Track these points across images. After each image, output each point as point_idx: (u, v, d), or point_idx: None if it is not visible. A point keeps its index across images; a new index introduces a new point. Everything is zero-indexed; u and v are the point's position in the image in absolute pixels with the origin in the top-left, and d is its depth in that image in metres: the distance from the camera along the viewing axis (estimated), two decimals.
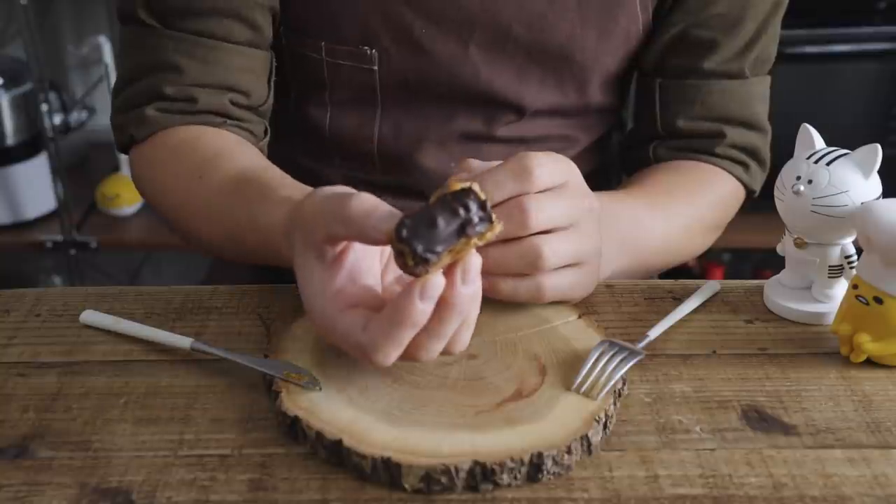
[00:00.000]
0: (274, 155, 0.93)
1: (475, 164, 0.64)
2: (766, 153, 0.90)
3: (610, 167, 0.99)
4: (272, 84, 0.85)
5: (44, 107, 1.88)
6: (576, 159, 0.90)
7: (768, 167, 0.91)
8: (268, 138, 0.85)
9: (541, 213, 0.61)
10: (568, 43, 0.83)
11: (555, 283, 0.64)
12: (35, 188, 1.99)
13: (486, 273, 0.64)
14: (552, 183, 0.62)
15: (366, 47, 0.81)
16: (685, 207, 0.83)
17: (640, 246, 0.76)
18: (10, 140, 1.95)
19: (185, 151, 0.77)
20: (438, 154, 0.86)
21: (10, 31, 2.06)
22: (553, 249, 0.62)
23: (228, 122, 0.81)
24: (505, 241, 0.62)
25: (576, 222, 0.63)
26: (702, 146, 0.88)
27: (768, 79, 0.90)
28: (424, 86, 0.83)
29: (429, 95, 0.84)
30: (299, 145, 0.91)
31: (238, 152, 0.76)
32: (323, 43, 0.82)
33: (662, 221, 0.79)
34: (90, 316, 0.68)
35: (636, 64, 0.89)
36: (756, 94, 0.88)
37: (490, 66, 0.83)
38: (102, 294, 0.72)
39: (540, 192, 0.61)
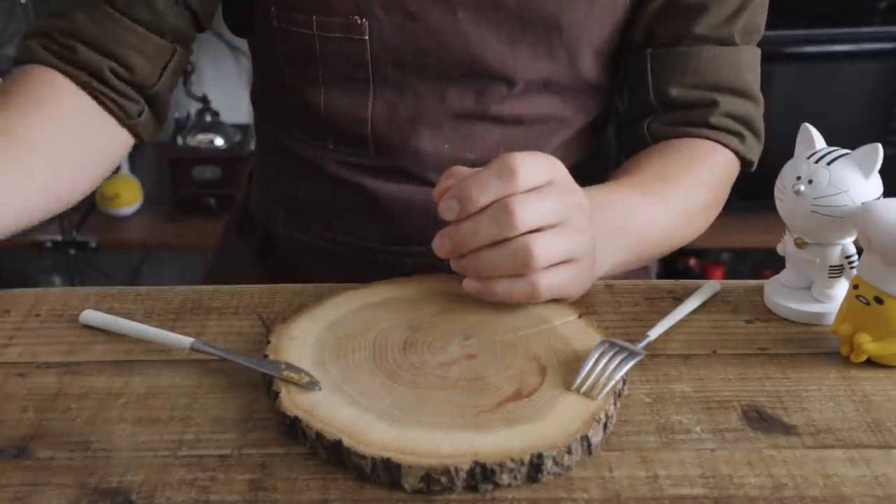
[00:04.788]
0: (269, 142, 0.94)
1: (461, 170, 0.64)
2: (761, 123, 0.90)
3: (608, 156, 0.99)
4: (167, 76, 0.83)
5: None
6: (572, 141, 0.91)
7: (763, 138, 0.91)
8: (142, 119, 0.83)
9: (527, 212, 0.61)
10: (555, 9, 0.83)
11: (549, 282, 0.64)
12: None
13: (480, 276, 0.64)
14: (538, 181, 0.62)
15: (356, 17, 0.82)
16: (681, 191, 0.83)
17: (640, 237, 0.76)
18: None
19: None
20: (433, 136, 0.87)
21: (10, 31, 2.06)
22: (543, 247, 0.62)
23: (95, 83, 0.79)
24: (495, 243, 0.62)
25: (565, 219, 0.63)
26: (696, 117, 0.88)
27: (758, 51, 0.91)
28: (415, 57, 0.84)
29: (420, 70, 0.85)
30: (295, 132, 0.91)
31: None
32: (314, 16, 0.83)
33: (659, 209, 0.79)
34: (90, 316, 0.68)
35: (626, 39, 0.90)
36: (747, 63, 0.89)
37: (479, 34, 0.83)
38: (102, 294, 0.72)
39: (526, 192, 0.61)
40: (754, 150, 0.90)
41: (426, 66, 0.84)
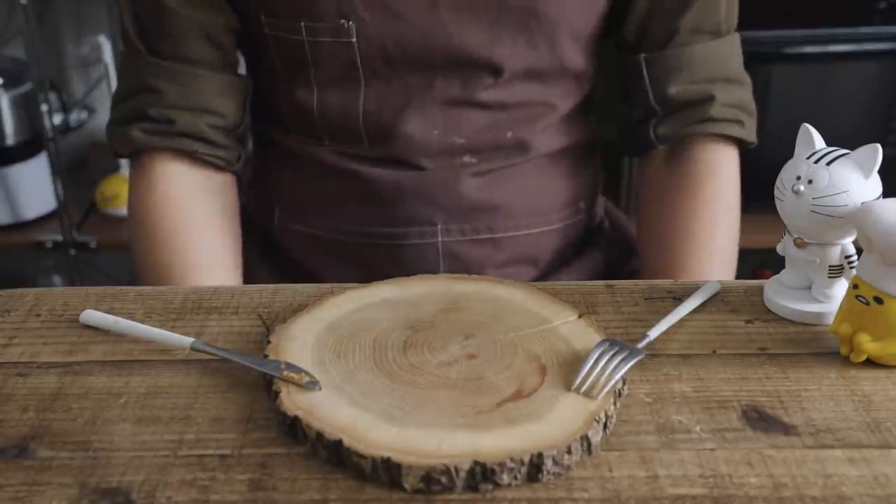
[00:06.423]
0: (264, 142, 0.98)
1: None
2: (753, 103, 0.95)
3: (594, 143, 1.00)
4: (247, 108, 0.92)
5: (44, 107, 1.88)
6: (557, 127, 0.93)
7: (756, 114, 0.95)
8: (241, 162, 0.93)
9: None
10: None
11: None
12: (35, 188, 1.99)
13: None
14: None
15: (342, 20, 0.83)
16: (711, 259, 0.94)
17: None
18: (10, 140, 1.95)
19: (153, 224, 0.89)
20: (422, 121, 0.89)
21: (10, 31, 2.06)
22: None
23: (200, 150, 0.88)
24: None
25: None
26: (697, 114, 0.91)
27: (738, 35, 0.94)
28: (402, 53, 0.85)
29: (408, 64, 0.86)
30: (290, 132, 0.94)
31: (190, 246, 0.88)
32: (302, 23, 0.84)
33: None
34: (90, 316, 0.68)
35: (609, 32, 0.92)
36: (733, 50, 0.93)
37: (461, 26, 0.85)
38: (102, 294, 0.72)
39: None
40: (752, 131, 0.94)
41: (413, 60, 0.86)
